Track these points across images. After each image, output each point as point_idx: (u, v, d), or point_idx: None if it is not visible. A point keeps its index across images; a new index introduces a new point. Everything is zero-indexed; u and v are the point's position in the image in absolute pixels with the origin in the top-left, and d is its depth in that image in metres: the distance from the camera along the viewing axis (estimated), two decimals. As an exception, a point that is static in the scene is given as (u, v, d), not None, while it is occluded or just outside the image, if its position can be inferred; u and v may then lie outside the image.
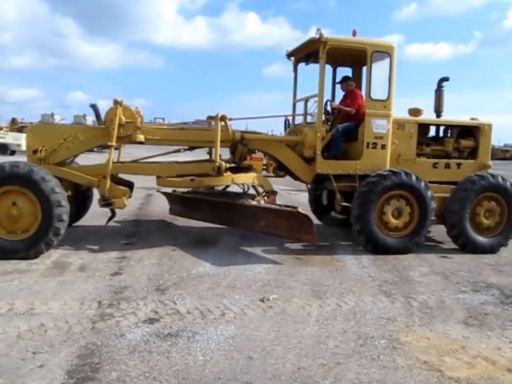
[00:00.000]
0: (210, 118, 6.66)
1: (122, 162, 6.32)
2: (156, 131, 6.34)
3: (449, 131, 7.38)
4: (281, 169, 7.17)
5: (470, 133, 7.30)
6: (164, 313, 4.00)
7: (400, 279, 5.27)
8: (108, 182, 5.85)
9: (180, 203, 7.65)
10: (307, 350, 3.45)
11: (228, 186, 7.02)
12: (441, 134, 7.53)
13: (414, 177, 6.29)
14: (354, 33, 6.55)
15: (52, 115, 36.13)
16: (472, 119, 7.48)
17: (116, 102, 5.86)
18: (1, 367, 3.01)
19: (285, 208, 5.98)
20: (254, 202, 6.29)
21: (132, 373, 3.02)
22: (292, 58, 7.51)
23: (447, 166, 7.06)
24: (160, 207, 9.19)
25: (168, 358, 3.23)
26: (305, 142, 6.53)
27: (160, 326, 3.75)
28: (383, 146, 6.57)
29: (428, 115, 7.33)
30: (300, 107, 7.54)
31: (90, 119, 33.51)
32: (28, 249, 5.35)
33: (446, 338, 3.73)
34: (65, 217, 5.47)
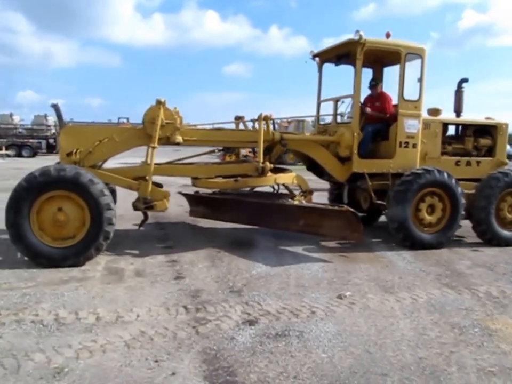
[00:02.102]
0: (238, 118, 6.84)
1: (159, 164, 6.24)
2: (193, 132, 6.39)
3: (466, 130, 7.87)
4: (312, 169, 7.34)
5: (488, 132, 7.86)
6: (256, 314, 4.09)
7: (451, 272, 5.62)
8: (150, 184, 5.83)
9: (203, 204, 7.64)
10: (414, 341, 3.68)
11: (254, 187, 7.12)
12: (458, 132, 8.03)
13: (446, 175, 6.74)
14: (388, 36, 6.85)
15: (11, 115, 34.23)
16: (487, 118, 8.06)
17: (159, 103, 5.84)
18: (132, 377, 3.01)
19: (332, 207, 6.22)
20: (296, 202, 6.48)
21: (269, 373, 3.11)
22: (317, 59, 7.75)
23: (468, 163, 7.59)
24: (174, 209, 9.08)
25: (293, 357, 3.35)
26: (341, 142, 6.80)
27: (262, 327, 3.84)
28: (414, 146, 6.98)
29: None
30: (325, 107, 7.78)
31: (51, 119, 32.08)
32: (78, 255, 5.25)
33: (532, 324, 4.07)
34: (115, 220, 5.40)
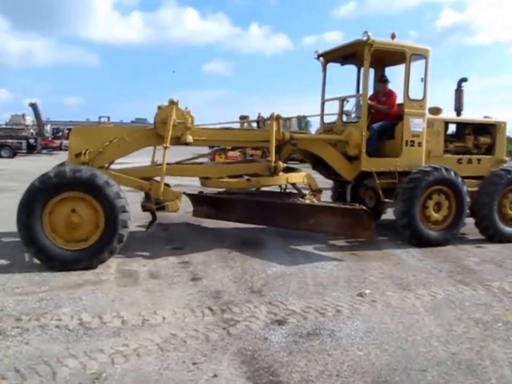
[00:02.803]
0: (243, 118, 6.84)
1: (168, 164, 6.20)
2: (203, 132, 6.41)
3: (467, 129, 8.08)
4: (318, 168, 7.41)
5: (487, 130, 8.11)
6: (283, 314, 4.12)
7: (461, 269, 5.76)
8: (163, 184, 5.81)
9: (207, 204, 7.63)
10: (443, 337, 3.77)
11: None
12: (458, 131, 8.22)
13: (452, 173, 6.93)
14: (393, 37, 7.02)
15: None
16: (485, 117, 8.32)
17: (172, 102, 5.84)
18: (174, 380, 3.00)
19: (344, 206, 6.33)
20: (307, 201, 6.57)
21: (310, 372, 3.15)
22: (321, 58, 7.88)
23: (469, 161, 7.82)
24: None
25: (331, 356, 3.39)
26: (350, 141, 6.91)
27: (291, 326, 3.87)
28: (419, 144, 7.17)
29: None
30: (330, 106, 7.94)
31: (29, 119, 31.28)
32: (91, 258, 5.19)
33: (552, 318, 4.21)
34: (129, 223, 5.34)
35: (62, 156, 28.10)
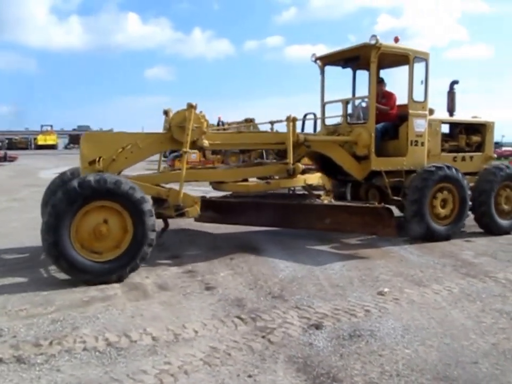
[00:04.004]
0: (248, 121, 6.99)
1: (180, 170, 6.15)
2: (217, 136, 6.55)
3: (459, 128, 8.68)
4: (324, 169, 7.67)
5: (477, 129, 8.78)
6: (315, 317, 4.13)
7: (462, 262, 6.03)
8: (182, 190, 5.80)
9: (213, 209, 7.47)
10: (477, 329, 3.94)
11: None
12: (451, 131, 8.78)
13: (454, 170, 7.43)
14: (396, 40, 7.40)
15: None
16: (473, 117, 9.00)
17: (190, 106, 5.84)
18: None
19: (363, 204, 6.66)
20: (325, 201, 6.96)
21: (370, 375, 3.17)
22: (318, 62, 8.17)
23: (463, 159, 8.42)
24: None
25: (382, 356, 3.45)
26: (359, 142, 7.22)
27: (330, 330, 3.89)
28: (422, 144, 7.65)
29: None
30: (331, 109, 8.28)
31: None
32: (123, 267, 5.09)
33: None
34: (156, 226, 5.35)
35: (12, 167, 26.54)
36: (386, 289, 4.88)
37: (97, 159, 5.58)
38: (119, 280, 5.06)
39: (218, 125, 17.87)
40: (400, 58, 7.53)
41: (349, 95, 8.53)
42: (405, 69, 7.55)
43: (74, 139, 68.02)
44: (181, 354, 3.42)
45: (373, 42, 6.99)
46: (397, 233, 6.44)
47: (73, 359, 3.34)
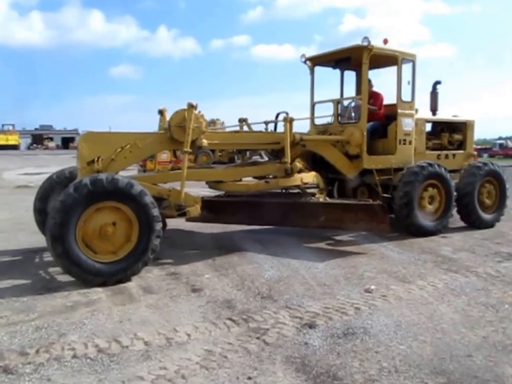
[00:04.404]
0: (242, 121, 7.45)
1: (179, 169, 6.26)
2: (215, 135, 6.63)
3: (442, 127, 9.02)
4: (314, 169, 7.68)
5: (459, 128, 9.14)
6: (307, 317, 4.12)
7: (442, 258, 6.17)
8: (183, 190, 5.82)
9: (206, 209, 7.35)
10: (466, 323, 4.04)
11: None
12: (434, 129, 9.11)
13: (442, 168, 7.71)
14: (385, 42, 7.62)
15: None
16: (453, 116, 9.30)
17: (191, 106, 5.84)
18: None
19: (358, 202, 7.00)
20: (321, 199, 7.10)
21: (370, 371, 3.19)
22: (308, 62, 8.36)
23: (446, 156, 8.73)
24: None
25: (378, 353, 3.47)
26: (351, 141, 7.43)
27: (323, 328, 3.90)
28: (410, 142, 7.93)
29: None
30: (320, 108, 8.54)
31: None
32: (125, 270, 5.05)
33: (547, 295, 4.66)
34: (162, 233, 5.35)
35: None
36: (373, 287, 4.94)
37: (96, 159, 5.51)
38: (120, 282, 5.00)
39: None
40: (389, 59, 7.77)
41: (332, 95, 8.79)
42: (387, 70, 7.93)
43: (37, 139, 66.19)
44: (176, 359, 3.35)
45: (365, 44, 7.19)
46: (390, 229, 6.63)
47: (63, 367, 3.21)
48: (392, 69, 7.95)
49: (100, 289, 4.81)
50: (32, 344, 3.53)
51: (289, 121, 6.75)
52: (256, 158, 7.77)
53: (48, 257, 6.21)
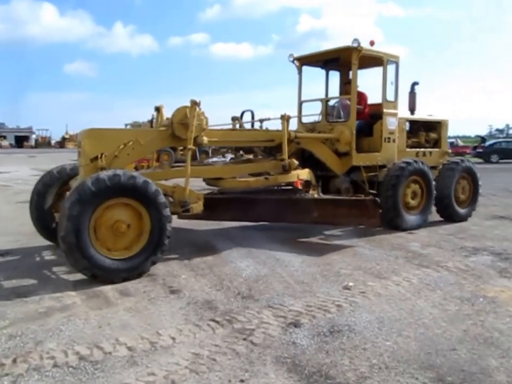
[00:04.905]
0: (234, 119, 7.60)
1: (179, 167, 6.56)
2: (214, 133, 6.62)
3: (420, 126, 9.39)
4: (305, 165, 7.70)
5: (435, 127, 9.62)
6: (291, 316, 4.11)
7: (412, 254, 6.31)
8: (188, 187, 5.90)
9: None
10: (445, 317, 4.14)
11: None
12: (412, 128, 9.40)
13: (425, 165, 8.12)
14: (372, 44, 7.84)
15: None
16: (429, 115, 9.70)
17: (194, 103, 5.92)
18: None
19: (350, 197, 7.27)
20: (316, 195, 7.43)
21: (361, 368, 3.22)
22: (296, 62, 8.63)
23: (424, 154, 9.12)
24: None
25: (366, 350, 3.51)
26: (341, 139, 7.75)
27: (309, 327, 3.89)
28: (394, 140, 8.30)
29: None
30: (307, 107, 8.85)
31: None
32: (132, 269, 5.10)
33: (516, 288, 4.86)
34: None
35: None
36: (351, 283, 4.99)
37: (99, 156, 5.51)
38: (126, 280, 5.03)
39: (151, 122, 17.36)
40: (375, 60, 8.08)
41: (311, 94, 9.02)
42: (367, 70, 8.32)
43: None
44: (163, 363, 3.25)
45: (355, 45, 7.47)
46: (381, 223, 7.03)
47: (44, 377, 3.05)
48: (372, 70, 8.37)
49: (73, 293, 4.62)
50: (7, 353, 3.34)
51: (286, 119, 7.00)
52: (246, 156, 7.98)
53: (14, 259, 5.96)
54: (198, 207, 6.01)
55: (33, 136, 77.10)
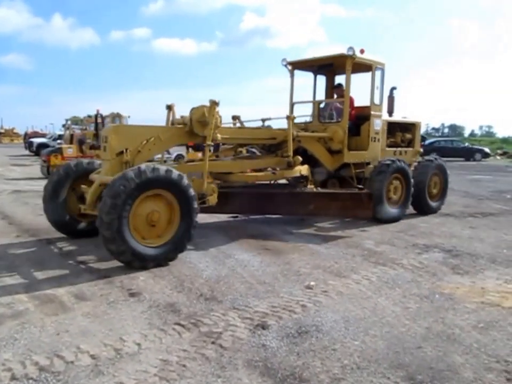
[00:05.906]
0: (235, 118, 8.02)
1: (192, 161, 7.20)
2: (225, 130, 7.13)
3: (396, 127, 10.06)
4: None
5: (409, 128, 10.45)
6: (257, 317, 4.09)
7: (368, 252, 6.46)
8: (206, 180, 6.42)
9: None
10: (408, 314, 4.26)
11: None
12: (389, 129, 9.95)
13: (406, 163, 8.91)
14: (362, 52, 8.38)
15: None
16: (403, 117, 10.54)
17: (214, 103, 6.46)
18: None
19: (346, 191, 8.12)
20: (314, 190, 8.17)
21: (333, 370, 3.25)
22: (289, 66, 9.27)
23: (400, 153, 9.95)
24: (34, 219, 7.88)
25: (336, 350, 3.55)
26: (334, 138, 8.48)
27: (276, 328, 3.89)
28: (378, 140, 9.13)
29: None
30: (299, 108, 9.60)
31: None
32: (160, 257, 5.51)
33: (471, 285, 5.08)
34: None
35: None
36: (312, 283, 5.04)
37: (124, 151, 5.94)
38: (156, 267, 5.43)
39: (96, 117, 16.85)
40: (364, 67, 8.75)
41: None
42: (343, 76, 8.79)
43: None
44: (131, 372, 3.13)
45: (350, 53, 8.14)
46: (372, 215, 7.83)
47: (2, 392, 2.86)
48: (355, 75, 8.89)
49: (25, 298, 4.36)
50: (-43, 367, 3.10)
51: (292, 119, 7.67)
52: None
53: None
54: (213, 199, 6.53)
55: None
